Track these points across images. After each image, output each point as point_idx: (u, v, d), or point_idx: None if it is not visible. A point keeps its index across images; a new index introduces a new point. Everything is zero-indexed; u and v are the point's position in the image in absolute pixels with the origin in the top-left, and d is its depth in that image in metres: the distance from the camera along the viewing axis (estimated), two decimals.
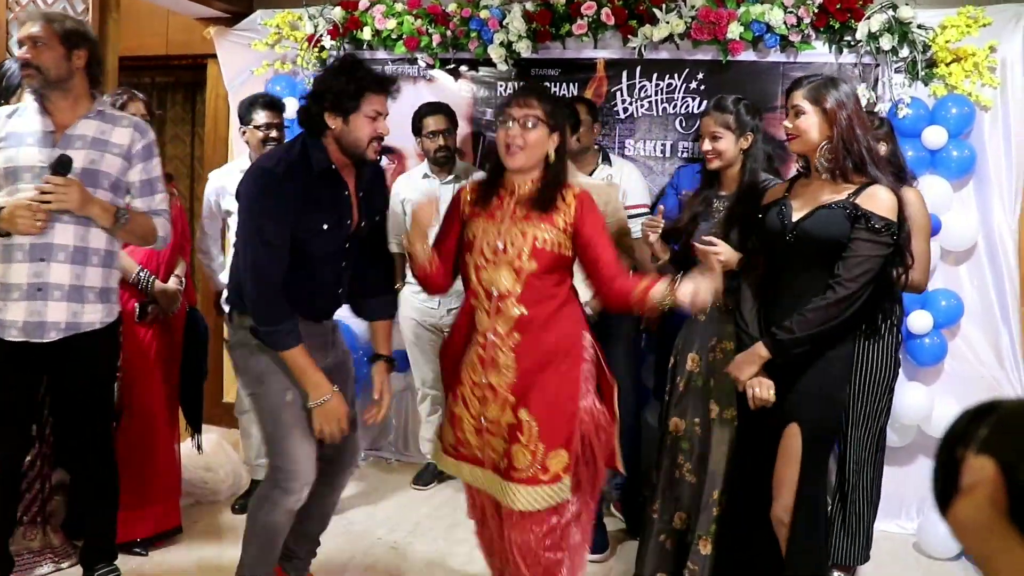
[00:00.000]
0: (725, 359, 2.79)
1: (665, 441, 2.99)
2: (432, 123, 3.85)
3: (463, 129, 4.19)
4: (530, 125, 2.41)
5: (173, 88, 5.27)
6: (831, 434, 2.62)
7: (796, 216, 2.49)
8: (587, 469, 2.51)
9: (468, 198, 2.59)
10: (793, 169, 3.70)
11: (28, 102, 2.71)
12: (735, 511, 2.77)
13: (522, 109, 2.42)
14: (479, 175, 3.93)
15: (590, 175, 3.52)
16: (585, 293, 2.84)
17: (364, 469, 4.34)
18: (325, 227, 2.53)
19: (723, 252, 2.62)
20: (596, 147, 3.67)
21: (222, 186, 3.70)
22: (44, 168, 2.60)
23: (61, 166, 2.57)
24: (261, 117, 3.58)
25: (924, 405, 3.59)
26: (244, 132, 3.64)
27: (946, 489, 0.71)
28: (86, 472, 2.91)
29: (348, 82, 2.45)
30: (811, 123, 2.46)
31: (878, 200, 2.38)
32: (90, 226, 2.69)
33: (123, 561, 3.08)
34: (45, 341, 2.69)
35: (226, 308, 3.68)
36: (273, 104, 3.65)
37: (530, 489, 2.41)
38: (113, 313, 2.83)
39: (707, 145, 2.90)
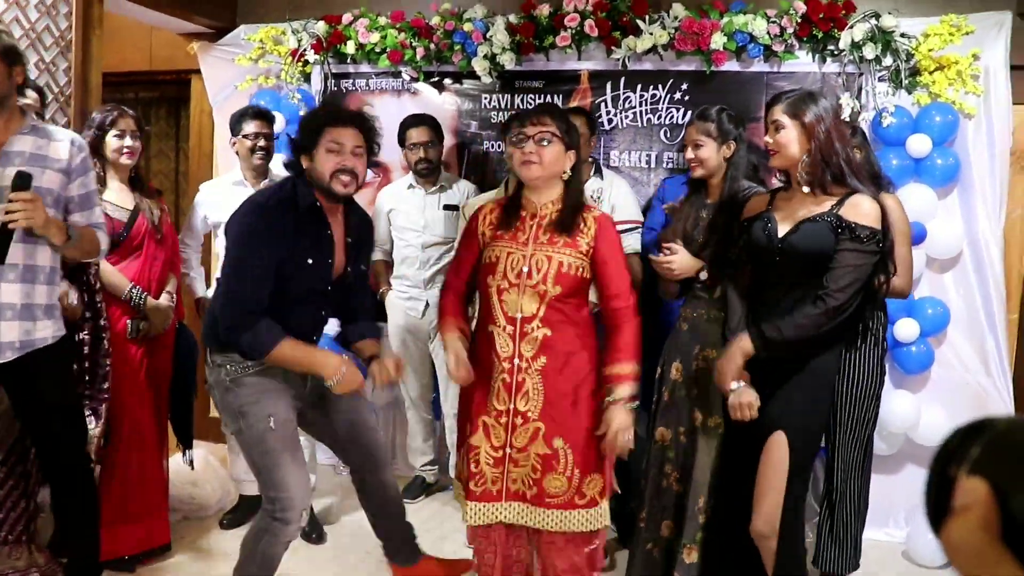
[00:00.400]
0: (708, 367, 2.84)
1: (651, 451, 3.02)
2: (415, 135, 3.88)
3: (448, 141, 4.19)
4: (545, 142, 2.44)
5: (157, 103, 5.26)
6: (815, 442, 2.63)
7: (782, 231, 2.50)
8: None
9: (487, 220, 2.59)
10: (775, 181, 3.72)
11: None
12: (720, 520, 2.78)
13: (536, 127, 2.45)
14: (465, 185, 3.95)
15: None
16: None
17: (349, 480, 4.31)
18: (310, 261, 2.53)
19: (675, 261, 2.83)
20: (590, 159, 3.67)
21: (211, 199, 3.71)
22: None
23: (22, 180, 2.47)
24: (251, 127, 3.61)
25: (911, 413, 3.59)
26: (234, 143, 3.66)
27: (939, 507, 0.71)
28: (65, 488, 2.88)
29: (310, 120, 2.57)
30: (790, 137, 2.47)
31: (861, 210, 2.39)
32: (37, 244, 2.64)
33: None
34: (1, 362, 2.67)
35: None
36: (263, 115, 3.68)
37: (567, 513, 2.47)
38: (61, 328, 2.80)
39: (690, 153, 2.96)
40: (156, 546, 3.40)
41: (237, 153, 3.68)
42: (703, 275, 2.86)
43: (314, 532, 3.70)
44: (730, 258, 2.66)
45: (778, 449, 2.48)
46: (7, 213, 2.46)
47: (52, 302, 2.77)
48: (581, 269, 2.48)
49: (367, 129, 2.59)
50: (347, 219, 2.66)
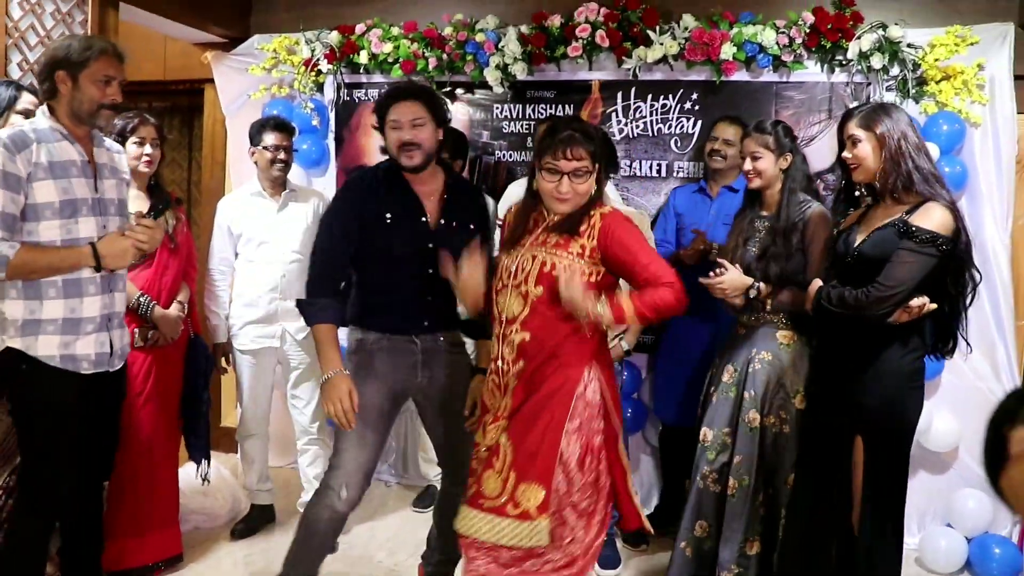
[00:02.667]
0: (762, 369, 2.90)
1: (696, 450, 3.03)
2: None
3: None
4: (581, 179, 2.36)
5: (170, 113, 5.29)
6: (897, 445, 2.64)
7: (858, 240, 2.60)
8: (581, 522, 2.38)
9: (508, 222, 2.58)
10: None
11: (42, 129, 2.57)
12: (802, 517, 2.81)
13: (571, 162, 2.34)
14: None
15: None
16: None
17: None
18: (388, 216, 2.70)
19: (726, 281, 2.83)
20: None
21: (232, 213, 3.73)
22: (98, 201, 2.64)
23: (160, 211, 2.83)
24: (271, 139, 3.63)
25: (923, 419, 3.58)
26: (253, 153, 3.68)
27: (994, 463, 0.74)
28: (82, 501, 2.86)
29: (378, 102, 2.77)
30: (867, 150, 2.57)
31: (929, 215, 2.47)
32: None
33: None
34: (112, 371, 2.74)
35: (227, 367, 3.79)
36: (283, 126, 3.69)
37: (492, 518, 2.28)
38: None
39: (748, 165, 2.97)
40: (168, 557, 3.39)
41: (256, 163, 3.70)
42: (752, 292, 2.87)
43: None
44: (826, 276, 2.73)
45: (859, 453, 2.60)
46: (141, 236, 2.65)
47: None
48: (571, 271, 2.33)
49: (427, 98, 2.69)
50: (445, 184, 2.80)
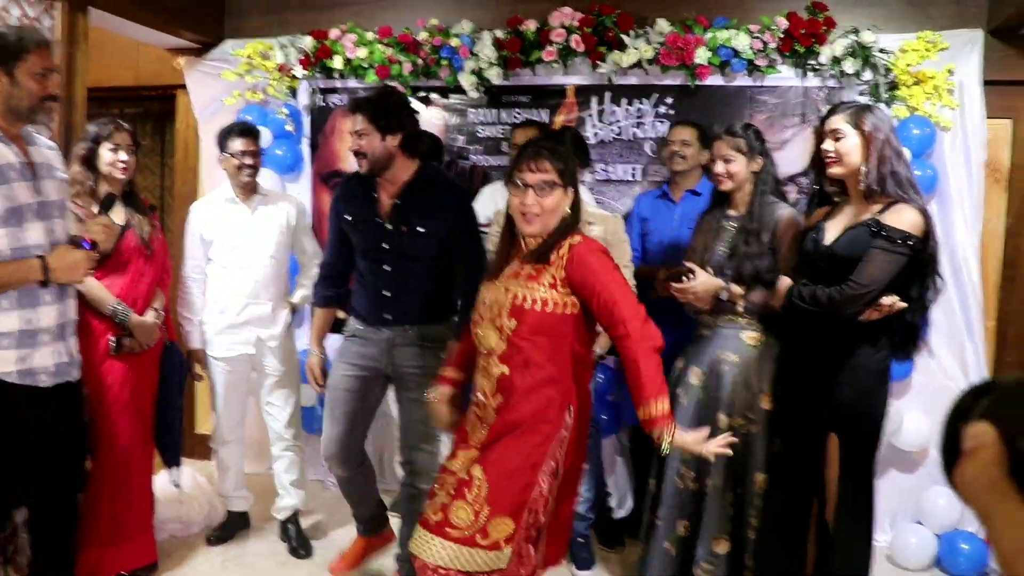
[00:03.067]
0: (730, 371, 2.95)
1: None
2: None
3: None
4: (546, 191, 2.29)
5: (143, 119, 5.22)
6: (869, 442, 2.69)
7: (828, 239, 2.64)
8: (530, 546, 2.36)
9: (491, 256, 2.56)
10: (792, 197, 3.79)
11: None
12: (777, 514, 2.85)
13: (536, 174, 2.29)
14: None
15: None
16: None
17: (337, 496, 4.30)
18: (348, 218, 3.06)
19: (696, 286, 2.87)
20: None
21: (204, 218, 3.68)
22: (41, 205, 2.55)
23: (110, 203, 2.80)
24: (237, 145, 3.58)
25: (893, 419, 3.64)
26: (222, 160, 3.65)
27: (951, 458, 0.76)
28: (49, 508, 2.82)
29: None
30: (852, 146, 2.60)
31: (900, 215, 2.52)
32: None
33: None
34: (72, 380, 2.70)
35: (202, 374, 3.78)
36: (249, 132, 3.64)
37: (462, 548, 2.24)
38: None
39: (720, 167, 2.99)
40: (143, 565, 3.36)
41: (225, 169, 3.66)
42: (724, 295, 2.90)
43: (302, 547, 3.70)
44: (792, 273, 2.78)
45: (833, 450, 2.64)
46: (99, 236, 2.64)
47: None
48: (545, 304, 2.27)
49: (369, 110, 2.89)
50: (406, 187, 2.98)
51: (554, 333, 2.31)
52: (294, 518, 3.79)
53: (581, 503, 3.36)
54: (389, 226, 2.98)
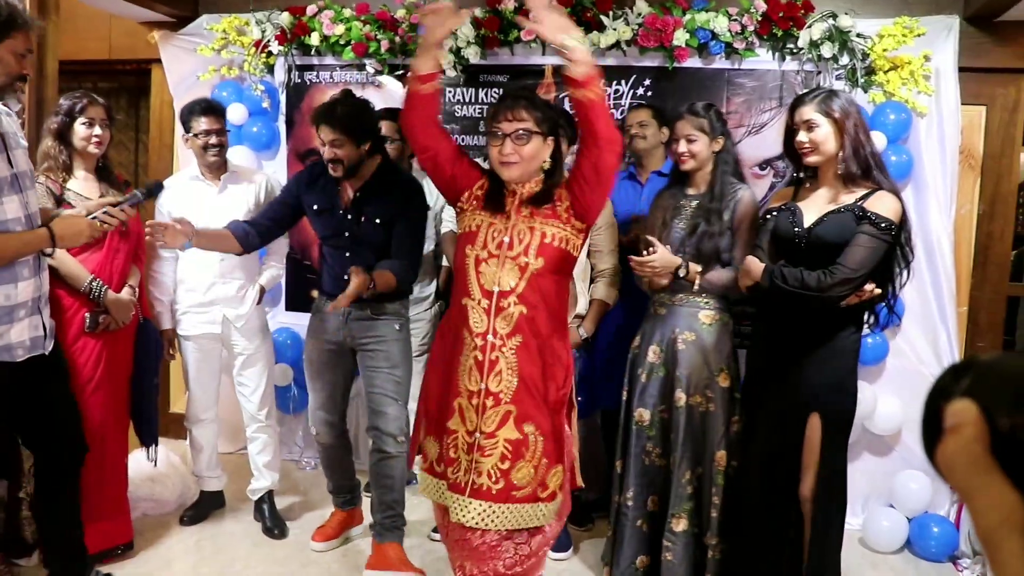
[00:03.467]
0: (687, 349, 2.99)
1: (631, 431, 3.09)
2: (384, 129, 3.79)
3: None
4: (524, 139, 2.30)
5: (116, 94, 5.16)
6: (848, 420, 2.75)
7: (808, 221, 2.66)
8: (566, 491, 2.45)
9: (471, 195, 2.44)
10: (768, 181, 3.81)
11: None
12: (748, 495, 2.87)
13: (512, 123, 2.30)
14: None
15: None
16: (583, 305, 3.12)
17: (311, 476, 4.31)
18: (315, 207, 3.23)
19: (655, 260, 2.91)
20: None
21: (171, 196, 3.54)
22: (15, 176, 2.53)
23: (157, 190, 3.09)
24: (201, 124, 3.51)
25: (868, 403, 3.68)
26: (187, 140, 3.59)
27: (931, 438, 0.77)
28: (56, 482, 2.86)
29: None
30: (825, 134, 2.63)
31: (883, 202, 2.57)
32: None
33: None
34: (47, 353, 2.69)
35: (174, 353, 3.77)
36: (212, 110, 3.56)
37: (529, 507, 2.30)
38: None
39: (682, 147, 3.01)
40: (118, 544, 3.35)
41: (191, 149, 3.61)
42: (682, 272, 2.94)
43: (276, 527, 3.69)
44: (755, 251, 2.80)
45: (813, 429, 2.66)
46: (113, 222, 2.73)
47: None
48: (566, 242, 2.33)
49: (342, 124, 3.04)
50: (370, 180, 3.18)
51: (565, 272, 2.39)
52: (268, 498, 3.78)
53: None
54: (350, 216, 3.18)
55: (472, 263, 2.35)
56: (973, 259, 4.02)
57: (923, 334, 3.81)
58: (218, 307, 3.64)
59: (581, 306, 3.37)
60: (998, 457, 0.72)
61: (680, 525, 3.00)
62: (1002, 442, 0.71)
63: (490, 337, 2.31)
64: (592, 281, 3.46)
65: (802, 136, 2.68)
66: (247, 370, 3.75)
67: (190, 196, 3.59)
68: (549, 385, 2.34)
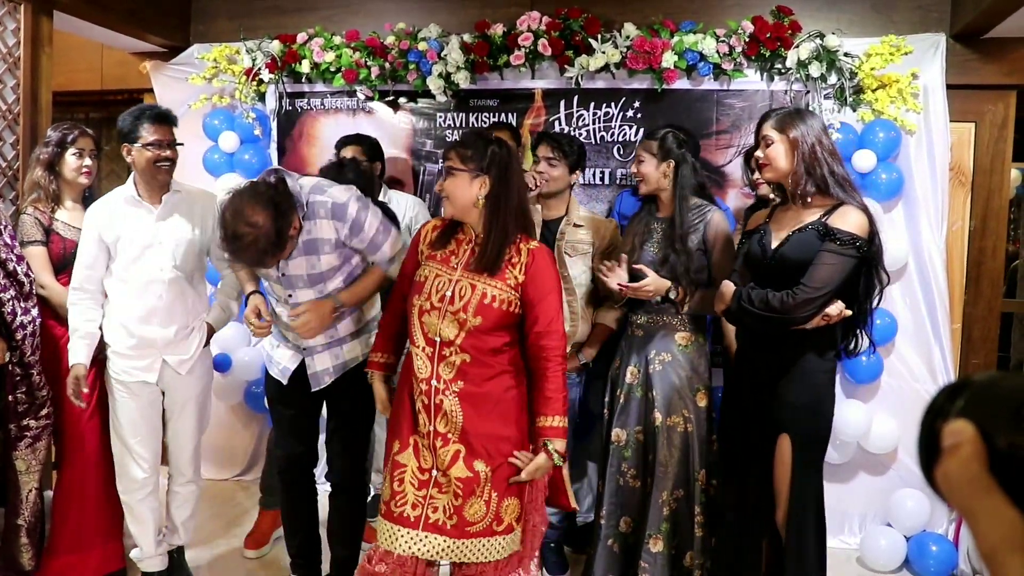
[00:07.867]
0: (663, 370, 3.02)
1: (608, 452, 3.11)
2: (348, 153, 3.64)
3: (403, 160, 4.21)
4: (450, 177, 2.42)
5: (108, 124, 5.18)
6: (821, 443, 2.71)
7: (775, 242, 2.64)
8: (534, 515, 2.52)
9: (427, 237, 2.56)
10: (731, 195, 3.83)
11: None
12: (723, 517, 2.87)
13: (447, 162, 2.45)
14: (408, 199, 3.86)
15: None
16: (583, 332, 3.17)
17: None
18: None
19: (649, 285, 2.94)
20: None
21: (101, 219, 3.04)
22: None
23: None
24: (151, 134, 2.99)
25: (863, 422, 3.67)
26: (129, 152, 3.03)
27: (929, 459, 0.77)
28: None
29: None
30: (779, 151, 2.62)
31: (846, 218, 2.52)
32: None
33: None
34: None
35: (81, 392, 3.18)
36: (165, 118, 3.06)
37: (485, 541, 2.38)
38: None
39: (633, 168, 3.14)
40: (110, 572, 3.32)
41: (133, 163, 3.04)
42: (672, 294, 2.97)
43: None
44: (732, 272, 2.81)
45: (783, 451, 2.62)
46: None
47: None
48: (509, 304, 2.38)
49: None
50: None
51: (508, 330, 2.42)
52: (179, 553, 3.44)
53: (552, 514, 3.35)
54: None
55: (416, 313, 2.45)
56: (966, 275, 4.01)
57: (917, 352, 3.80)
58: (154, 351, 3.09)
59: (581, 333, 3.33)
60: (997, 476, 0.72)
61: (657, 546, 2.99)
62: (1000, 461, 0.72)
63: (434, 382, 2.41)
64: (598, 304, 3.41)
65: (759, 151, 2.70)
66: (183, 421, 3.23)
67: (123, 221, 3.04)
68: (500, 418, 2.41)
